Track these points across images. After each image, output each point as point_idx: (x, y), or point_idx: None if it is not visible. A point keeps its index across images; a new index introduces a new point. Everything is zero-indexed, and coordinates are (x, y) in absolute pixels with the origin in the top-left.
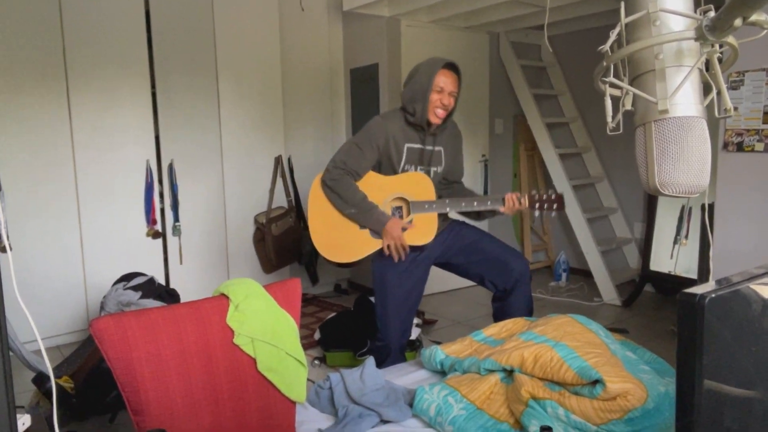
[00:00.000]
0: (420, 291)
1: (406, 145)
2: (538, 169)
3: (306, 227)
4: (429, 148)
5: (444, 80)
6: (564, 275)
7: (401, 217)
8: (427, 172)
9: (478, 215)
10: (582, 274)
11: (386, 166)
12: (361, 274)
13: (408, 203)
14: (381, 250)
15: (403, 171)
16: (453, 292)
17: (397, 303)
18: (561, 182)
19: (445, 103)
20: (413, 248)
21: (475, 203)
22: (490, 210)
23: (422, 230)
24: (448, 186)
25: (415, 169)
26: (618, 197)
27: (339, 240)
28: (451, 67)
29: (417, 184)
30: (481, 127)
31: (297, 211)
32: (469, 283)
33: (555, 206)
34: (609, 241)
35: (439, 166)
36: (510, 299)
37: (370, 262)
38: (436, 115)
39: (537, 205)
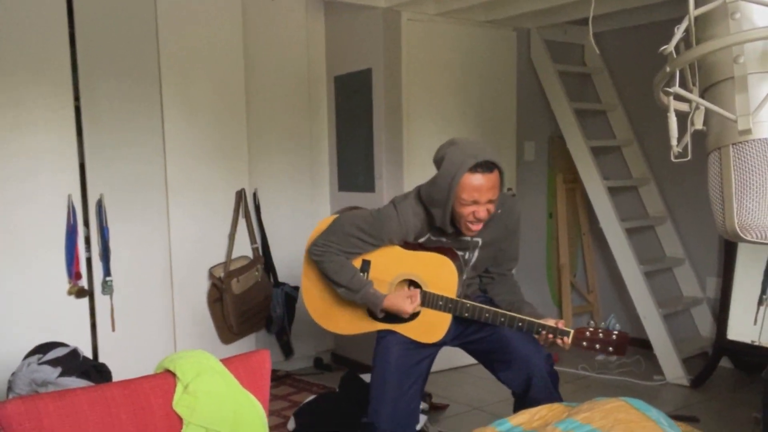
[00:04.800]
0: (428, 364)
1: (429, 235)
2: (580, 208)
3: (277, 283)
4: (460, 239)
5: (475, 190)
6: None
7: None
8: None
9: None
10: (638, 344)
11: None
12: (348, 345)
13: (420, 290)
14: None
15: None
16: (467, 369)
17: (400, 372)
18: (610, 224)
19: (479, 217)
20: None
21: (503, 319)
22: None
23: (428, 328)
24: (490, 276)
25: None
26: (685, 244)
27: (334, 308)
28: (486, 168)
29: (437, 270)
30: (507, 152)
31: (265, 262)
32: None
33: (611, 350)
34: (674, 302)
35: (470, 254)
36: (526, 402)
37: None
38: (469, 230)
39: (586, 343)
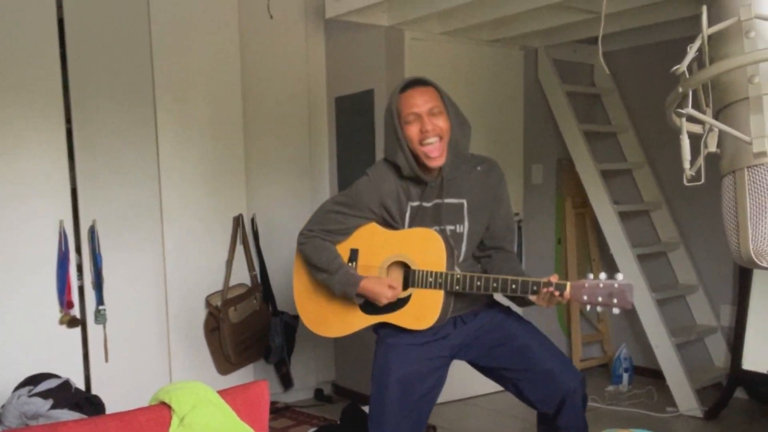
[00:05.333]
0: (435, 391)
1: (410, 204)
2: (590, 233)
3: (276, 312)
4: (434, 202)
5: (409, 102)
6: (626, 376)
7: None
8: (442, 235)
9: (519, 299)
10: (650, 374)
11: (391, 226)
12: (349, 376)
13: (409, 272)
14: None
15: None
16: (474, 401)
17: (401, 400)
18: (621, 250)
19: (427, 129)
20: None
21: (495, 285)
22: (519, 297)
23: (419, 311)
24: (487, 253)
25: None
26: (699, 271)
27: (327, 311)
28: (415, 83)
29: (424, 245)
30: (513, 175)
31: (264, 290)
32: (497, 386)
33: (616, 302)
34: (687, 331)
35: (459, 225)
36: (556, 423)
37: (375, 343)
38: (428, 155)
39: (586, 297)
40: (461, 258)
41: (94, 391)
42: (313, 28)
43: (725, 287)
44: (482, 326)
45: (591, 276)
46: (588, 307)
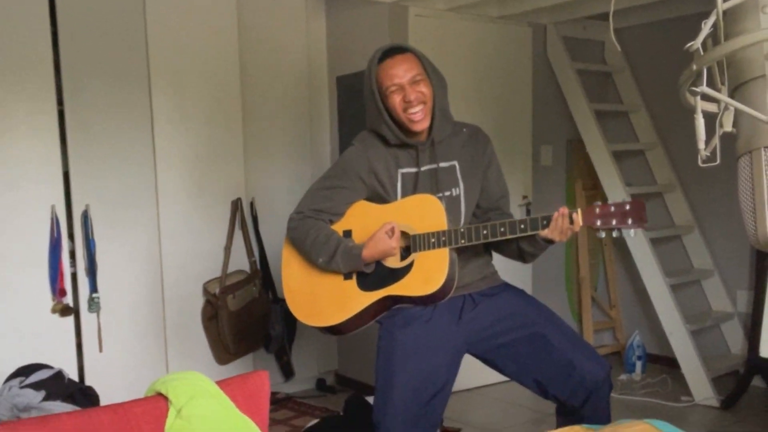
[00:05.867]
0: (447, 387)
1: (400, 171)
2: None
3: (276, 299)
4: (428, 167)
5: (390, 74)
6: (639, 364)
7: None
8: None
9: (520, 252)
10: (664, 362)
11: (382, 201)
12: (353, 365)
13: (409, 239)
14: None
15: None
16: (482, 390)
17: (410, 385)
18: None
19: (410, 99)
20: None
21: (503, 229)
22: (529, 241)
23: (425, 273)
24: (485, 217)
25: None
26: (714, 255)
27: (321, 299)
28: (393, 51)
29: (421, 210)
30: (521, 157)
31: (263, 276)
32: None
33: (630, 220)
34: (702, 317)
35: (455, 188)
36: (580, 414)
37: (378, 337)
38: (412, 121)
39: (599, 222)
40: (462, 222)
41: (88, 382)
42: (313, 5)
43: (742, 272)
44: (497, 310)
45: (598, 202)
46: (603, 232)
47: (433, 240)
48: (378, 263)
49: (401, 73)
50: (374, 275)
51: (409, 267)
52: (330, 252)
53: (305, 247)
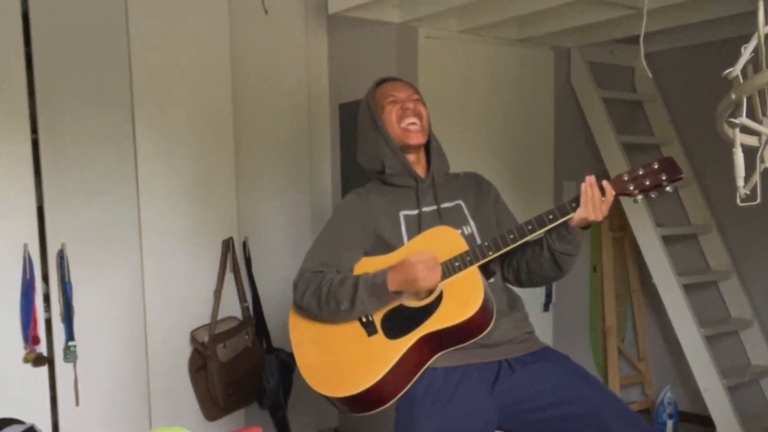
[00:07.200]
0: None
1: (402, 214)
2: (629, 260)
3: (271, 349)
4: (430, 209)
5: (386, 92)
6: (670, 423)
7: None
8: None
9: (553, 256)
10: (698, 421)
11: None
12: (354, 421)
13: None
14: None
15: None
16: None
17: None
18: (665, 280)
19: (407, 107)
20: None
21: (531, 226)
22: (561, 237)
23: (459, 298)
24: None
25: None
26: (754, 303)
27: (347, 365)
28: (393, 79)
29: (436, 242)
30: (542, 195)
31: (257, 324)
32: None
33: (664, 177)
34: (740, 372)
35: (465, 226)
36: None
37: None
38: (408, 131)
39: (632, 186)
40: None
41: None
42: (314, 26)
43: None
44: (539, 381)
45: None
46: (640, 197)
47: (457, 263)
48: (402, 308)
49: (399, 89)
50: (402, 320)
51: (439, 299)
52: (350, 291)
53: (321, 302)
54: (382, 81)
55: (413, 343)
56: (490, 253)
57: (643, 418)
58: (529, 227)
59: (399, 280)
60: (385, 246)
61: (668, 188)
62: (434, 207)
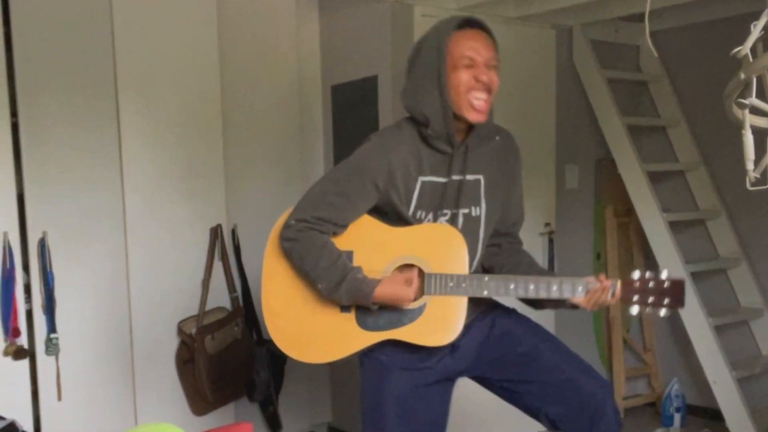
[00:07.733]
0: (442, 421)
1: (420, 179)
2: (634, 247)
3: (261, 341)
4: (456, 178)
5: (467, 45)
6: (677, 417)
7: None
8: (452, 221)
9: (535, 302)
10: (707, 414)
11: (390, 213)
12: (348, 416)
13: (422, 276)
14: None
15: (416, 220)
16: (477, 416)
17: (407, 415)
18: (673, 266)
19: (483, 80)
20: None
21: (533, 287)
22: (556, 300)
23: (439, 322)
24: (494, 242)
25: (432, 216)
26: (764, 292)
27: (311, 331)
28: (475, 24)
29: (440, 244)
30: (544, 178)
31: (247, 315)
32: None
33: (667, 301)
34: (750, 363)
35: (475, 207)
36: None
37: (359, 365)
38: (473, 107)
39: (637, 297)
40: (478, 250)
41: None
42: (305, 5)
43: None
44: (490, 333)
45: (637, 273)
46: (636, 309)
47: (451, 284)
48: None
49: (480, 47)
50: (377, 315)
51: (420, 310)
52: (334, 280)
53: (304, 266)
54: (465, 24)
55: (379, 341)
56: (485, 293)
57: (578, 356)
58: (531, 287)
59: (385, 297)
60: (391, 206)
61: (662, 311)
62: (459, 177)
